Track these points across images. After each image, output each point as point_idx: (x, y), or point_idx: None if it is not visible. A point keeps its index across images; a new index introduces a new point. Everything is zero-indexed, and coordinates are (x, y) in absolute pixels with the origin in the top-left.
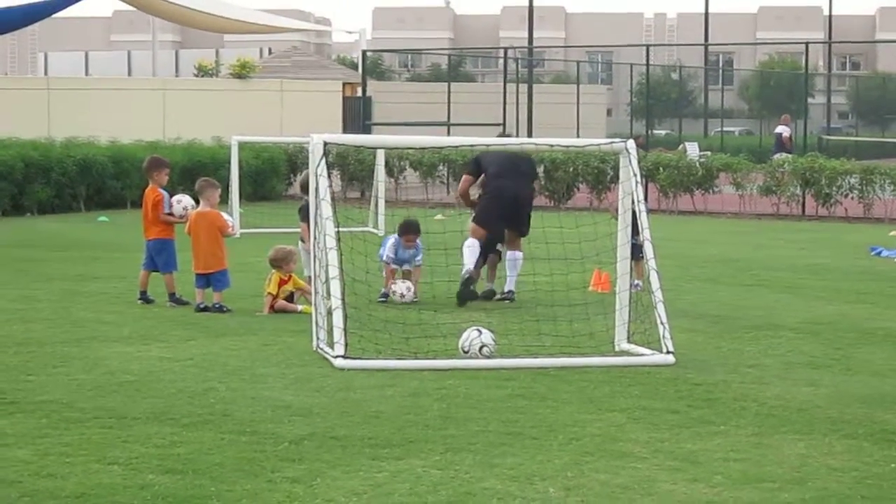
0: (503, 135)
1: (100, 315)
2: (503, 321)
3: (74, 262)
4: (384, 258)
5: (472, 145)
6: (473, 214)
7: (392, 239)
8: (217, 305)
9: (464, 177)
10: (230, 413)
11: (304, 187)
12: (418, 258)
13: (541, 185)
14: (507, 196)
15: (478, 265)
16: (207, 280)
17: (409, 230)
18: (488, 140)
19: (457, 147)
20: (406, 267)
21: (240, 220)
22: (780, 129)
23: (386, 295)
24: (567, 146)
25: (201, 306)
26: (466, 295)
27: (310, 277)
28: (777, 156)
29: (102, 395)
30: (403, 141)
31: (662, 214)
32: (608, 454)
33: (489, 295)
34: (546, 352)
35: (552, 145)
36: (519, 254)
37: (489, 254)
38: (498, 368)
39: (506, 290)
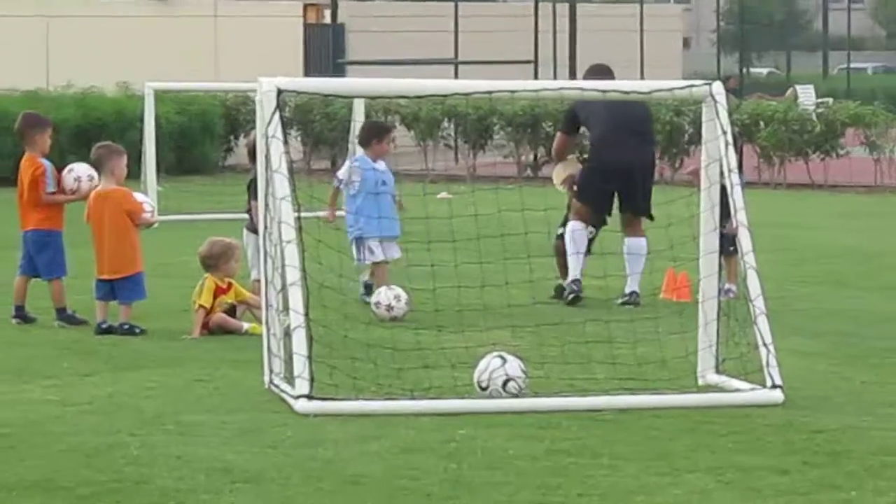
0: (596, 72)
1: None
2: (538, 343)
3: None
4: (337, 181)
5: (489, 92)
6: (576, 187)
7: (358, 159)
8: (126, 325)
9: (558, 135)
10: (147, 479)
11: (253, 154)
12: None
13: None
14: (617, 168)
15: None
16: (113, 288)
17: (389, 129)
18: (513, 84)
19: (468, 95)
20: (373, 256)
21: (158, 202)
22: None
23: (369, 287)
24: (627, 92)
25: (104, 326)
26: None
27: (258, 283)
28: None
29: None
30: (391, 87)
31: (765, 189)
32: None
33: (560, 293)
34: (599, 387)
35: (605, 91)
36: (641, 240)
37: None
38: (531, 412)
39: (627, 290)
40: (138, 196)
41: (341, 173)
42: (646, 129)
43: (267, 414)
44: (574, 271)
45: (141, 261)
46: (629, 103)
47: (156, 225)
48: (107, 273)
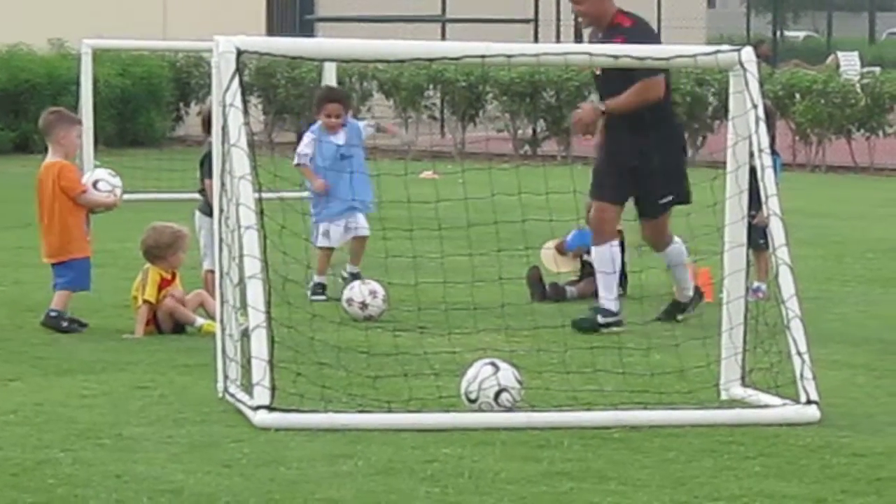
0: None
1: None
2: (535, 349)
3: None
4: (298, 159)
5: (482, 56)
6: (671, 192)
7: (313, 130)
8: (53, 313)
9: (654, 80)
10: (82, 501)
11: (208, 124)
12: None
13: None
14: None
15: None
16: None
17: (331, 97)
18: (510, 47)
19: (457, 60)
20: (340, 232)
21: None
22: None
23: (322, 287)
24: (641, 58)
25: (53, 315)
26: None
27: (211, 274)
28: None
29: None
30: (368, 49)
31: (801, 171)
32: None
33: (556, 293)
34: (606, 401)
35: (616, 56)
36: (673, 248)
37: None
38: (526, 429)
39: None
40: (99, 172)
41: (302, 147)
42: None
43: (220, 427)
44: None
45: (82, 247)
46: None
47: (115, 203)
48: (45, 256)
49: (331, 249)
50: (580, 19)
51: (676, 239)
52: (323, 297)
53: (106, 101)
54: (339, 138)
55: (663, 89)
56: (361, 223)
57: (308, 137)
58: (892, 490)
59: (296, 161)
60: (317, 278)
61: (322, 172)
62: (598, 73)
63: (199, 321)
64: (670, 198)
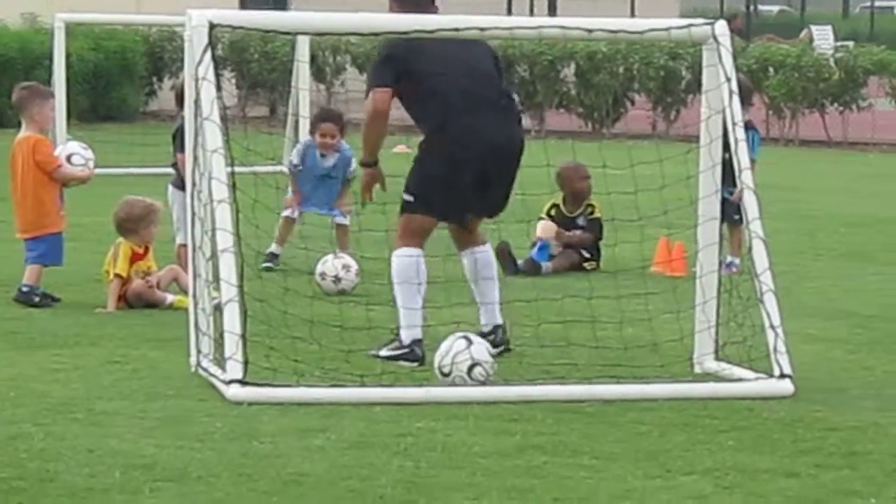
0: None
1: None
2: (509, 323)
3: None
4: (288, 167)
5: (455, 29)
6: (407, 191)
7: (304, 140)
8: (25, 288)
9: (375, 92)
10: (54, 476)
11: (181, 98)
12: (341, 180)
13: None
14: (482, 148)
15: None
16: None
17: (325, 118)
18: (484, 20)
19: (431, 33)
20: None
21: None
22: None
23: (274, 256)
24: (615, 32)
25: (25, 290)
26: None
27: (184, 248)
28: None
29: None
30: (341, 22)
31: (774, 146)
32: None
33: (530, 267)
34: (579, 374)
35: (590, 30)
36: (488, 251)
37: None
38: (499, 402)
39: (485, 324)
40: (71, 145)
41: (292, 156)
42: (503, 93)
43: (193, 401)
44: (410, 325)
45: (55, 221)
46: (477, 47)
47: (86, 176)
48: (18, 231)
49: (293, 220)
50: None
51: (410, 252)
52: (269, 264)
53: (79, 76)
54: (329, 161)
55: (385, 102)
56: (337, 213)
57: (298, 148)
58: (865, 464)
59: (287, 168)
60: (272, 247)
61: (296, 169)
62: None
63: (170, 298)
64: (410, 198)
